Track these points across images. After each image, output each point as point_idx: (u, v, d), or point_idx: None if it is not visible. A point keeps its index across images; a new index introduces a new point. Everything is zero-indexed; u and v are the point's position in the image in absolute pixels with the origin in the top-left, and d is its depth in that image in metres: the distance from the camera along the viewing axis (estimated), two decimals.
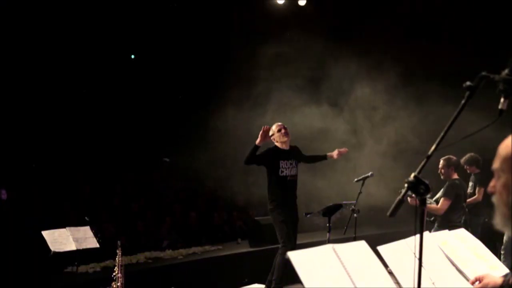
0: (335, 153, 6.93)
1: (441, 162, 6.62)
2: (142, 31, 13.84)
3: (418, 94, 9.73)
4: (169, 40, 14.08)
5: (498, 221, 1.67)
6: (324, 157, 7.03)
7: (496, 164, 1.70)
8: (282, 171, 6.57)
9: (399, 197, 2.07)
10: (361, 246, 2.38)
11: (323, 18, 12.51)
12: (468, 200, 7.40)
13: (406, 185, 2.03)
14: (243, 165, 6.71)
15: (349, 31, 12.86)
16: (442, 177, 6.66)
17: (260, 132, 6.46)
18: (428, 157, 2.06)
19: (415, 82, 9.98)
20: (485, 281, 2.65)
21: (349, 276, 2.18)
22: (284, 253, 6.37)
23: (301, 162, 6.89)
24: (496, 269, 3.20)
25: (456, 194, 6.49)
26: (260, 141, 6.45)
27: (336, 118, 10.02)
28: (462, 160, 7.68)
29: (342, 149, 6.97)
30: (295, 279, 2.21)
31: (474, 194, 7.76)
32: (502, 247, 7.10)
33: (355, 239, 6.23)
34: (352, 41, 11.81)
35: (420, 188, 2.01)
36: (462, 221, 6.82)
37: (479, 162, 7.78)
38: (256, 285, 7.28)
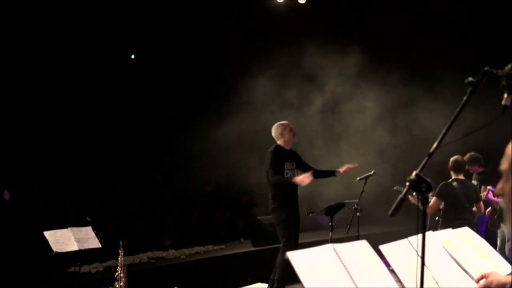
0: (342, 169, 6.65)
1: None
2: (142, 31, 13.83)
3: (420, 93, 9.70)
4: (168, 40, 14.07)
5: (509, 227, 1.60)
6: (333, 173, 6.73)
7: (504, 165, 1.61)
8: (287, 172, 6.55)
9: (401, 195, 2.04)
10: (362, 245, 2.36)
11: (323, 16, 12.47)
12: None
13: (407, 183, 2.00)
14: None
15: (349, 29, 12.82)
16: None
17: (305, 182, 6.28)
18: (430, 155, 2.03)
19: (415, 81, 9.95)
20: (489, 279, 2.60)
21: (350, 276, 2.15)
22: (286, 253, 6.31)
23: (299, 168, 6.73)
24: (501, 267, 3.17)
25: (448, 195, 6.44)
26: (298, 184, 6.35)
27: (337, 120, 10.01)
28: (465, 160, 7.62)
29: (351, 165, 6.68)
30: (296, 279, 2.19)
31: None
32: (498, 244, 7.10)
33: (358, 238, 6.21)
34: (352, 39, 11.78)
35: (422, 186, 1.99)
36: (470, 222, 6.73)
37: (481, 160, 7.67)
38: (259, 284, 7.26)
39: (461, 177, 6.62)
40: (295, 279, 2.20)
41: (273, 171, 6.39)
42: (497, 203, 7.20)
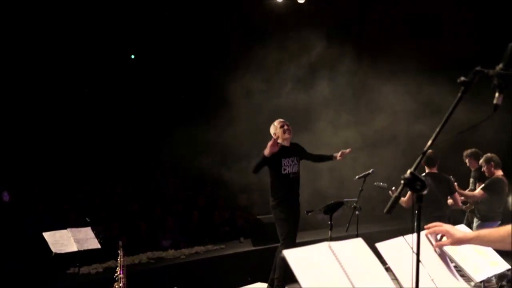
0: (338, 154, 6.80)
1: None
2: (142, 31, 13.84)
3: (420, 91, 9.71)
4: (168, 40, 14.09)
5: None
6: (330, 158, 6.89)
7: None
8: (284, 169, 6.50)
9: (396, 193, 2.06)
10: (358, 243, 2.37)
11: (323, 16, 12.48)
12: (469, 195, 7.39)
13: (402, 181, 2.01)
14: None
15: (348, 28, 12.83)
16: None
17: (270, 143, 6.26)
18: (424, 153, 2.04)
19: (415, 79, 9.97)
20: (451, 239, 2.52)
21: (346, 274, 2.16)
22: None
23: (303, 159, 6.79)
24: (496, 264, 3.19)
25: None
26: (270, 152, 6.26)
27: (339, 121, 10.03)
28: (465, 154, 7.68)
29: (346, 150, 6.82)
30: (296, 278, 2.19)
31: (475, 190, 7.72)
32: None
33: (357, 236, 6.21)
34: (352, 39, 11.80)
35: (416, 184, 2.00)
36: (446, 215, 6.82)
37: (481, 158, 7.73)
38: (258, 284, 7.26)
39: (434, 170, 6.81)
40: (295, 278, 2.20)
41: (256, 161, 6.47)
42: (470, 197, 7.28)
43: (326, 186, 9.50)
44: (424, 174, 6.75)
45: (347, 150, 6.82)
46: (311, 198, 8.60)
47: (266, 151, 6.27)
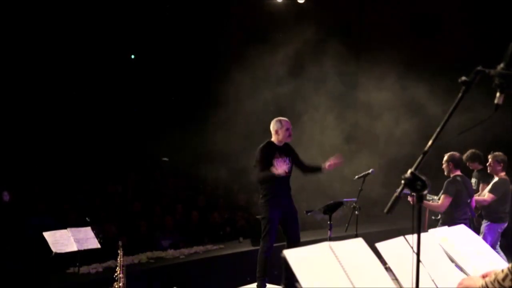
0: (326, 165, 6.33)
1: (444, 158, 6.69)
2: (142, 31, 13.85)
3: (421, 91, 9.72)
4: (168, 40, 14.09)
5: None
6: (319, 169, 6.44)
7: None
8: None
9: (396, 193, 2.06)
10: (358, 243, 2.37)
11: (322, 16, 12.49)
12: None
13: (403, 181, 2.01)
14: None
15: (348, 28, 12.83)
16: (445, 173, 6.72)
17: (280, 171, 6.07)
18: (425, 153, 2.04)
19: (416, 78, 9.97)
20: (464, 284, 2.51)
21: (346, 274, 2.16)
22: (262, 248, 6.26)
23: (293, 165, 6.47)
24: (496, 265, 3.19)
25: (456, 191, 6.50)
26: (279, 174, 6.06)
27: (339, 123, 10.03)
28: (464, 157, 7.65)
29: (337, 160, 6.32)
30: (294, 278, 2.19)
31: (478, 191, 7.72)
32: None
33: (356, 236, 6.18)
34: (351, 38, 11.80)
35: (417, 184, 2.00)
36: (469, 217, 6.79)
37: (481, 158, 7.73)
38: None
39: (459, 173, 6.69)
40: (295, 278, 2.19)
41: (259, 168, 6.18)
42: (480, 202, 7.27)
43: (309, 184, 9.40)
44: (453, 176, 6.58)
45: (338, 159, 6.35)
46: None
47: (277, 172, 6.04)
